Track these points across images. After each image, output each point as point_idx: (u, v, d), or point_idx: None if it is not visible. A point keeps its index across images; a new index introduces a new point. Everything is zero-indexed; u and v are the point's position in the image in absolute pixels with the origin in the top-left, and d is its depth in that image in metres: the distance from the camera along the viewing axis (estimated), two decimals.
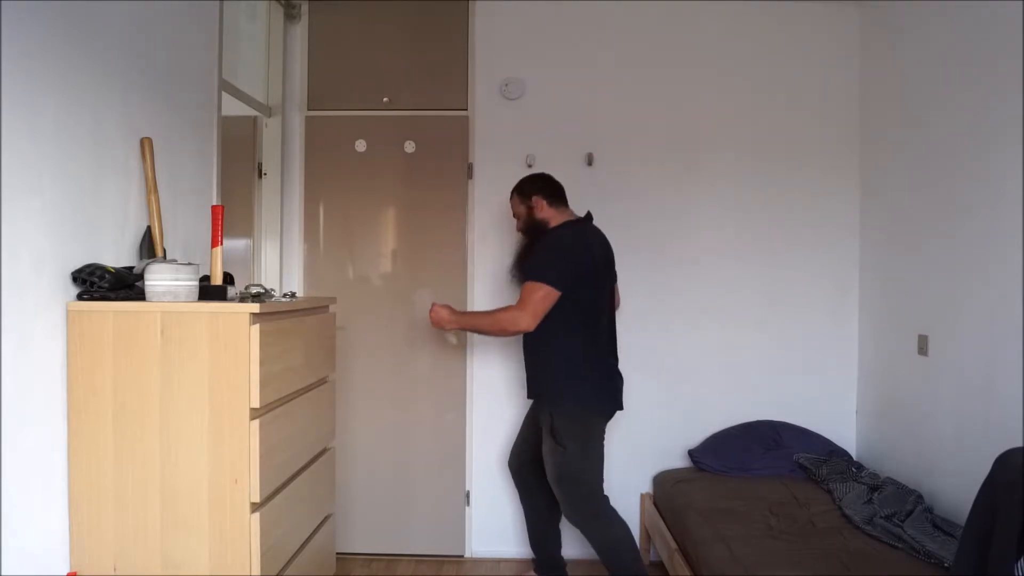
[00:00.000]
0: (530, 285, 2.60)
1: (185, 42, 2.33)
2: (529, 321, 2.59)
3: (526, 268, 2.69)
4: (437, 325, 2.79)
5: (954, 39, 2.69)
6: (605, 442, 2.70)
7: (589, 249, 2.68)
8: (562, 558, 3.01)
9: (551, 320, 2.63)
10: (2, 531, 1.53)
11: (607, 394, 2.73)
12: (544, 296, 2.57)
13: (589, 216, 2.81)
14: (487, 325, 2.73)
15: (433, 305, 2.80)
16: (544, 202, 2.76)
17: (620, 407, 2.76)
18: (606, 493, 2.71)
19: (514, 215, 2.89)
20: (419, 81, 3.45)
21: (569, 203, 2.84)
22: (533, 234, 2.77)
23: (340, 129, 3.45)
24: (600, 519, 2.67)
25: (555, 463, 2.65)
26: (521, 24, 3.42)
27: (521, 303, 2.60)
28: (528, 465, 2.89)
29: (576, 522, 2.69)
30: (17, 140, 1.55)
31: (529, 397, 2.82)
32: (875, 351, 3.28)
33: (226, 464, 1.69)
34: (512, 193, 2.86)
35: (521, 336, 2.82)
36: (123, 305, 1.71)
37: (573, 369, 2.65)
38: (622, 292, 3.26)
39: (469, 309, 3.41)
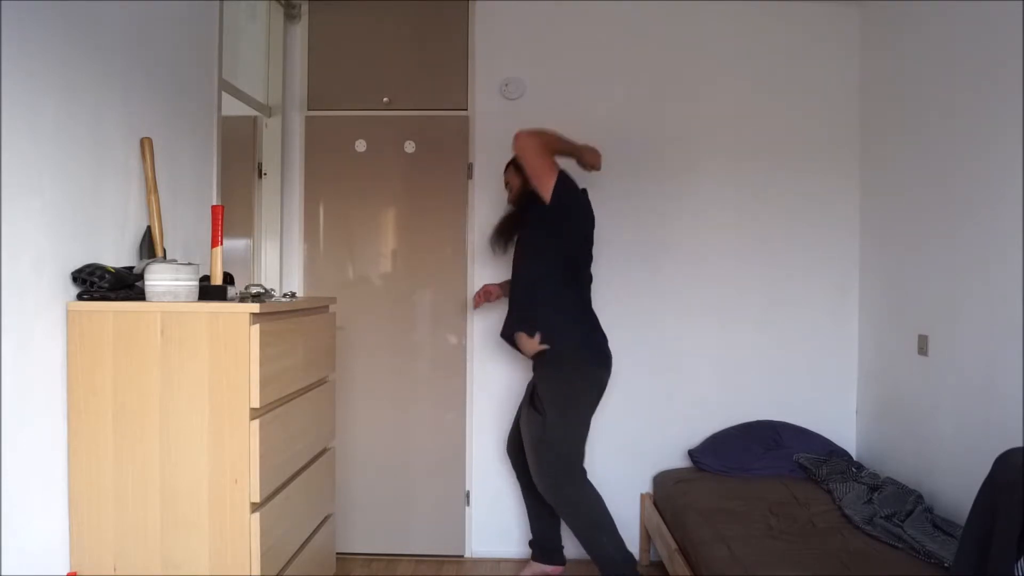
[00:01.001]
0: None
1: (185, 42, 2.33)
2: (526, 138, 2.67)
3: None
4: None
5: (954, 39, 2.69)
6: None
7: (592, 215, 2.85)
8: (560, 542, 3.05)
9: (547, 261, 2.73)
10: (2, 531, 1.53)
11: (602, 353, 2.79)
12: (551, 163, 2.67)
13: (584, 192, 2.88)
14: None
15: None
16: None
17: (611, 364, 2.81)
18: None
19: (506, 185, 2.99)
20: (419, 81, 3.45)
21: None
22: (523, 205, 2.85)
23: (340, 129, 3.45)
24: (566, 491, 2.69)
25: (531, 432, 2.73)
26: (521, 24, 3.42)
27: (538, 140, 2.69)
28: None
29: (544, 490, 2.73)
30: (17, 140, 1.56)
31: (503, 335, 2.87)
32: (875, 351, 3.27)
33: (226, 464, 1.70)
34: (508, 165, 2.97)
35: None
36: (123, 305, 1.71)
37: (567, 313, 2.74)
38: (622, 291, 3.25)
39: (468, 308, 3.42)
